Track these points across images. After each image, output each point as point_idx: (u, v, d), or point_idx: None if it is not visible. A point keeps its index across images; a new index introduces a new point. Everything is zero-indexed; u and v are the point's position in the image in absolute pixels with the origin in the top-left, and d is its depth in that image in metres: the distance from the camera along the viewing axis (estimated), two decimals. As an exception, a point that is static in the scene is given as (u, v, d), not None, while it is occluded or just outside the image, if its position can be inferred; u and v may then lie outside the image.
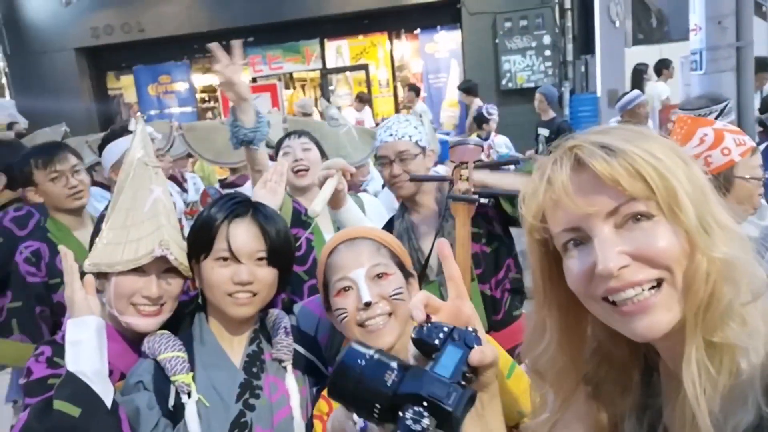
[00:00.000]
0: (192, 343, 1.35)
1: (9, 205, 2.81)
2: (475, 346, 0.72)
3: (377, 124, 8.20)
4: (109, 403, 1.17)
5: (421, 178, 1.95)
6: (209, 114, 11.26)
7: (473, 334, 0.73)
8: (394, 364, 0.70)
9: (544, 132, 6.37)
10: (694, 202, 0.68)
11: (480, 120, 6.31)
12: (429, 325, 0.74)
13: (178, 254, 1.38)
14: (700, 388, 0.66)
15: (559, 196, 0.72)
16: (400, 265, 1.33)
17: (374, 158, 4.31)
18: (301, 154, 2.34)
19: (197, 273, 1.37)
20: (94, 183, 4.31)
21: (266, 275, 1.34)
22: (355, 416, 1.02)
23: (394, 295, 1.26)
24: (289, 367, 1.38)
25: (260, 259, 1.34)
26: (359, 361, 0.70)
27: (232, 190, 3.52)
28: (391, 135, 2.05)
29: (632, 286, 0.68)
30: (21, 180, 2.34)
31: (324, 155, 2.44)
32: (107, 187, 4.44)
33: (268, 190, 1.70)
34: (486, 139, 6.20)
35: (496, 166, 1.92)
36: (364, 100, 7.63)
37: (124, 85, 11.66)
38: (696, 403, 0.66)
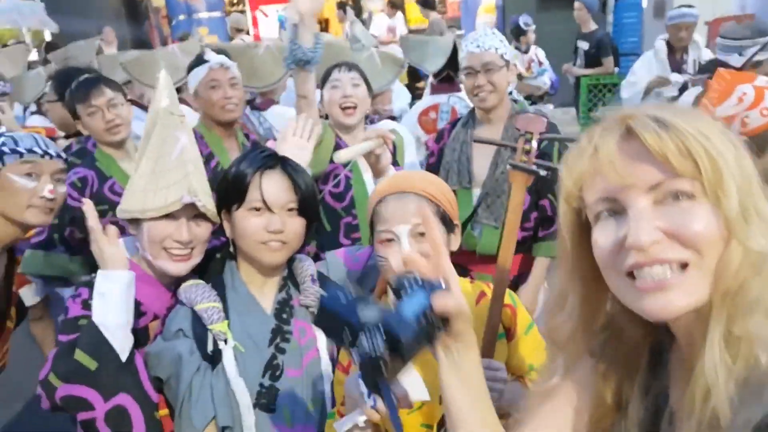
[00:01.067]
0: (225, 291, 1.43)
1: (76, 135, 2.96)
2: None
3: (410, 32, 7.90)
4: (124, 357, 1.29)
5: (486, 141, 1.99)
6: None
7: (440, 284, 0.83)
8: (365, 303, 0.84)
9: (583, 45, 6.08)
10: (740, 190, 0.68)
11: (517, 32, 6.03)
12: (406, 275, 0.84)
13: (206, 201, 1.43)
14: (721, 375, 0.65)
15: (602, 163, 0.71)
16: (445, 219, 1.34)
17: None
18: (350, 89, 2.30)
19: (229, 222, 1.43)
20: (129, 101, 4.38)
21: (296, 225, 1.41)
22: (362, 387, 1.10)
23: None
24: (316, 311, 1.46)
25: (291, 209, 1.40)
26: (340, 301, 0.86)
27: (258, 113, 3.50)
28: (478, 46, 2.14)
29: (660, 263, 0.68)
30: (71, 114, 2.40)
31: (370, 90, 2.40)
32: (141, 105, 4.50)
33: (296, 145, 1.70)
34: (526, 51, 5.97)
35: (560, 141, 1.93)
36: (396, 5, 7.29)
37: (151, -12, 11.40)
38: (714, 388, 0.65)
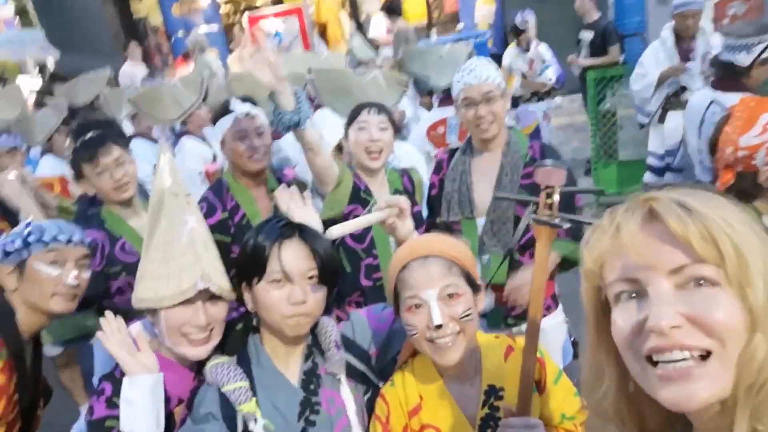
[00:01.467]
0: (250, 366, 1.42)
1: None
2: None
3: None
4: None
5: (506, 198, 2.02)
6: (235, 29, 10.98)
7: None
8: None
9: (587, 36, 5.97)
10: (765, 280, 0.66)
11: (516, 32, 5.92)
12: None
13: (220, 281, 1.44)
14: None
15: (624, 242, 0.71)
16: (469, 280, 1.35)
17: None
18: (377, 134, 2.28)
19: (250, 296, 1.42)
20: (136, 134, 4.38)
21: (318, 295, 1.40)
22: None
23: (463, 316, 1.30)
24: (343, 378, 1.45)
25: (311, 277, 1.38)
26: None
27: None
28: (475, 77, 2.13)
29: (680, 349, 0.67)
30: (75, 173, 2.34)
31: (396, 132, 2.38)
32: (149, 137, 4.50)
33: (306, 207, 1.69)
34: (526, 50, 5.87)
35: (581, 192, 1.90)
36: (394, 11, 7.21)
37: (148, 7, 11.38)
38: None
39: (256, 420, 1.34)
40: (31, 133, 4.23)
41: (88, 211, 2.44)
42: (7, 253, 1.58)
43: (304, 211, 1.66)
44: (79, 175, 2.33)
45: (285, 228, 1.41)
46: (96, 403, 1.38)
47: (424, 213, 2.48)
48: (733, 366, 0.66)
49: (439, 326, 1.27)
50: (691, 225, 0.67)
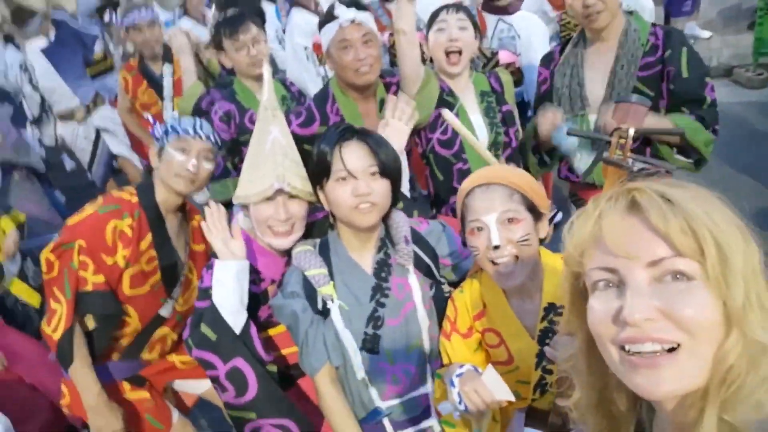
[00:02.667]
0: (329, 255, 1.64)
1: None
2: None
3: None
4: (238, 331, 1.57)
5: (580, 134, 1.92)
6: None
7: None
8: None
9: None
10: (744, 279, 0.67)
11: None
12: None
13: (297, 183, 1.64)
14: None
15: (605, 232, 0.72)
16: (531, 208, 1.43)
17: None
18: (456, 32, 2.20)
19: (324, 196, 1.60)
20: None
21: (381, 186, 1.54)
22: (455, 395, 1.30)
23: (521, 240, 1.39)
24: (411, 268, 1.63)
25: (373, 173, 1.53)
26: None
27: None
28: None
29: (651, 341, 0.68)
30: (214, 45, 2.61)
31: (477, 30, 2.26)
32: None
33: (395, 128, 1.78)
34: None
35: (659, 133, 1.82)
36: None
37: None
38: None
39: (332, 300, 1.58)
40: (164, 1, 4.47)
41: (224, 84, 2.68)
42: (156, 138, 1.91)
43: (392, 132, 1.80)
44: (218, 47, 2.58)
45: (344, 131, 1.56)
46: (206, 274, 1.68)
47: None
48: (706, 360, 0.67)
49: (497, 247, 1.38)
50: (672, 218, 0.68)
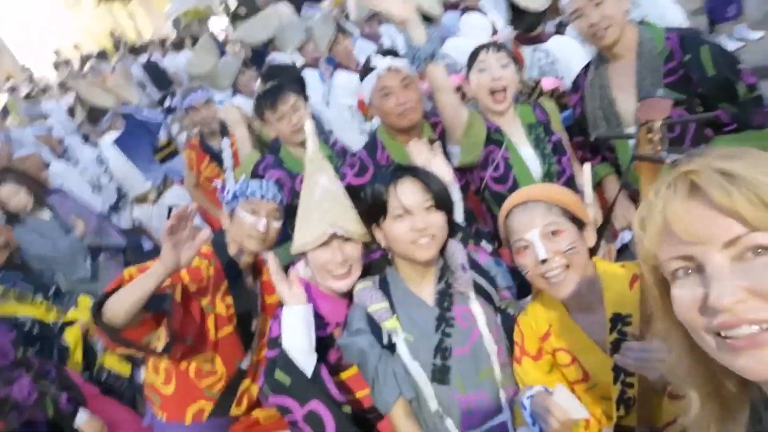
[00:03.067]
0: (389, 289, 1.68)
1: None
2: None
3: None
4: (309, 374, 1.61)
5: (606, 137, 1.94)
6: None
7: None
8: None
9: None
10: None
11: None
12: None
13: (348, 226, 1.70)
14: None
15: (671, 222, 0.69)
16: (573, 218, 1.44)
17: None
18: (498, 71, 2.20)
19: (381, 234, 1.66)
20: (304, 65, 4.72)
21: (437, 219, 1.59)
22: (528, 417, 1.31)
23: (568, 249, 1.40)
24: (472, 295, 1.65)
25: (428, 207, 1.58)
26: None
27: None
28: None
29: (749, 324, 0.64)
30: (259, 116, 2.76)
31: (517, 64, 2.28)
32: (317, 66, 4.78)
33: (437, 162, 1.86)
34: None
35: (687, 122, 1.80)
36: None
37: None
38: None
39: (397, 333, 1.62)
40: (217, 80, 4.78)
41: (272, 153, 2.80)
42: (226, 202, 2.04)
43: (438, 161, 1.84)
44: (261, 119, 2.73)
45: (396, 170, 1.63)
46: (274, 324, 1.76)
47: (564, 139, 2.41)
48: None
49: (545, 260, 1.39)
50: (736, 193, 0.64)
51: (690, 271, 0.69)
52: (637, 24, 2.10)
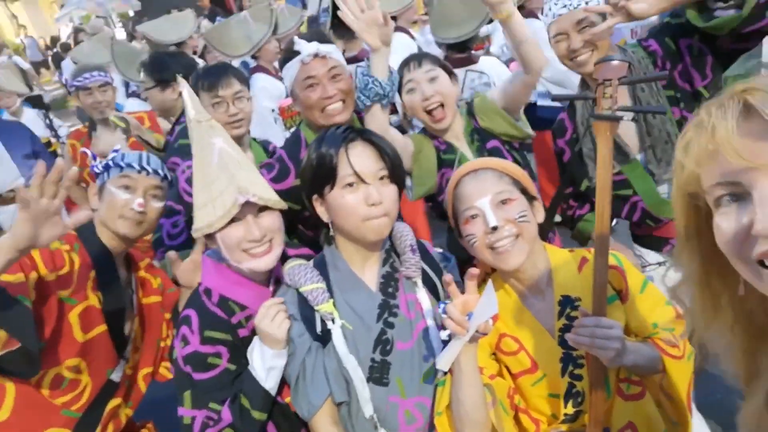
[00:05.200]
0: (327, 270, 1.43)
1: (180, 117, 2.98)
2: None
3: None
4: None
5: (563, 97, 1.92)
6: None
7: None
8: None
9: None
10: None
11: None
12: None
13: (261, 192, 1.42)
14: None
15: (721, 143, 0.65)
16: (523, 190, 1.39)
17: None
18: (428, 88, 1.97)
19: (324, 206, 1.40)
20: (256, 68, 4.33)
21: (392, 192, 1.37)
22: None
23: (519, 217, 1.33)
24: (420, 282, 1.45)
25: (382, 177, 1.36)
26: None
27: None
28: (564, 6, 1.85)
29: None
30: None
31: (453, 75, 2.06)
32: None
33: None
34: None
35: (642, 81, 1.75)
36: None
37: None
38: None
39: (333, 320, 1.36)
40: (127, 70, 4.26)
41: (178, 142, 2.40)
42: (96, 175, 1.66)
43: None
44: None
45: (348, 132, 1.39)
46: (181, 342, 1.45)
47: None
48: None
49: (495, 227, 1.30)
50: None
51: (735, 198, 0.66)
52: (618, 47, 1.97)
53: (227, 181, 1.40)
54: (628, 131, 1.90)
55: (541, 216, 1.40)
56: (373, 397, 1.36)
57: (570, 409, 1.35)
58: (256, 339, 1.39)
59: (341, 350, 1.35)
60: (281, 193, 1.70)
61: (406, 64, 2.05)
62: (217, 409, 1.38)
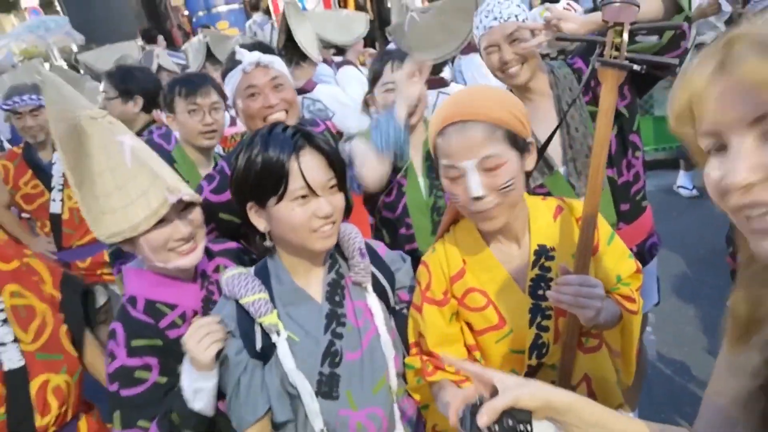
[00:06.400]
0: (269, 280, 1.35)
1: (146, 128, 2.91)
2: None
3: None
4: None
5: (571, 39, 1.78)
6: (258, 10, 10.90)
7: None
8: None
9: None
10: None
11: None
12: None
13: (186, 188, 1.37)
14: None
15: (699, 96, 0.65)
16: (515, 142, 1.22)
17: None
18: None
19: (261, 216, 1.31)
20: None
21: (339, 201, 1.31)
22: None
23: (504, 187, 1.20)
24: (370, 287, 1.39)
25: (332, 188, 1.29)
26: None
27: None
28: (495, 18, 1.87)
29: (765, 206, 0.61)
30: (164, 104, 2.27)
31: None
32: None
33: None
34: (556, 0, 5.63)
35: (657, 30, 1.66)
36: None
37: (169, -13, 11.40)
38: None
39: (278, 332, 1.28)
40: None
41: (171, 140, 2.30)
42: None
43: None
44: (169, 108, 2.24)
45: (297, 137, 1.28)
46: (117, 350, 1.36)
47: None
48: None
49: (478, 198, 1.20)
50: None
51: (719, 148, 0.65)
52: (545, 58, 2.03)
53: (149, 180, 1.31)
54: (554, 143, 1.90)
55: (532, 163, 1.28)
56: (322, 410, 1.28)
57: (534, 361, 1.30)
58: (186, 357, 1.27)
59: (287, 365, 1.26)
60: (220, 206, 1.65)
61: (385, 62, 2.06)
62: (146, 427, 1.28)
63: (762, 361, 0.71)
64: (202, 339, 1.22)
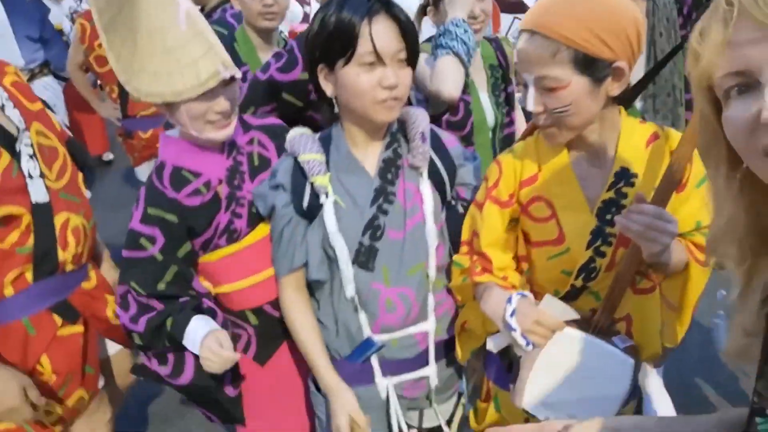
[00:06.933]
0: (330, 145, 1.36)
1: (221, 5, 2.84)
2: None
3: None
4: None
5: None
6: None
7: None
8: None
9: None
10: None
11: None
12: None
13: (233, 67, 1.33)
14: None
15: (732, 31, 0.59)
16: (586, 65, 1.10)
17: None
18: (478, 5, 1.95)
19: (328, 80, 1.29)
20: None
21: (408, 77, 1.28)
22: (521, 340, 1.19)
23: (557, 111, 1.13)
24: (425, 173, 1.36)
25: (401, 60, 1.26)
26: None
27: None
28: None
29: None
30: None
31: None
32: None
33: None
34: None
35: None
36: None
37: None
38: None
39: (327, 194, 1.30)
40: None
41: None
42: None
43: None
44: None
45: (374, 1, 1.22)
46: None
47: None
48: None
49: (531, 111, 1.17)
50: None
51: (744, 89, 0.61)
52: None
53: (203, 49, 1.27)
54: (636, 74, 1.82)
55: (618, 89, 1.16)
56: (356, 278, 1.32)
57: (579, 282, 1.25)
58: (203, 323, 1.37)
59: (330, 227, 1.29)
60: (284, 86, 1.63)
61: None
62: (136, 290, 1.37)
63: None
64: (210, 358, 1.34)
